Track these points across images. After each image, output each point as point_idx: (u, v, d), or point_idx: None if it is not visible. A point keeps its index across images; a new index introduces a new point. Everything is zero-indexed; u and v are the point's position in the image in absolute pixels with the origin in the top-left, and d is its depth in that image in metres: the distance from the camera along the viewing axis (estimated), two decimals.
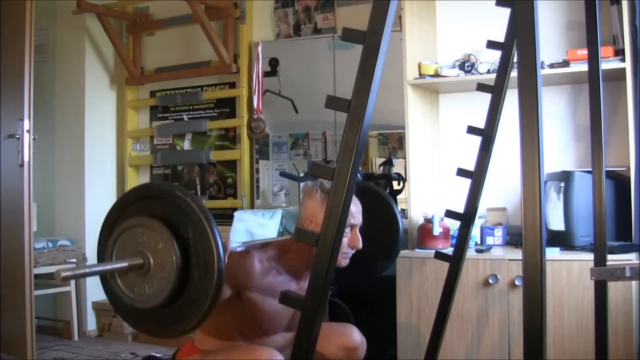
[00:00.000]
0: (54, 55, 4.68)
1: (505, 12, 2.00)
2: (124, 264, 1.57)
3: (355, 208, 2.06)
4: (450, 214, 2.31)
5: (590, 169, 2.13)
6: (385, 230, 2.47)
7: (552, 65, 2.92)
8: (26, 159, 3.29)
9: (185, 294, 1.57)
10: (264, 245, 2.11)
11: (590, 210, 2.10)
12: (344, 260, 2.05)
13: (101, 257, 1.69)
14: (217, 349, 2.07)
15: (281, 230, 3.65)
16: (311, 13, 4.06)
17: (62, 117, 4.62)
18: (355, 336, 2.27)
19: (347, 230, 2.03)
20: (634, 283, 2.51)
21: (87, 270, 1.55)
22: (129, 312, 1.67)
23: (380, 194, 2.57)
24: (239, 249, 1.98)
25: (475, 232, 3.04)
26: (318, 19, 4.03)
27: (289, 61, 4.15)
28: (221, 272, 1.53)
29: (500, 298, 2.72)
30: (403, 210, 3.39)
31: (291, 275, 2.09)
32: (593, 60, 2.05)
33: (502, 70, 2.18)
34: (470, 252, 2.82)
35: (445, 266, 2.31)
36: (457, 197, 2.79)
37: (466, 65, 3.13)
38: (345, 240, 2.02)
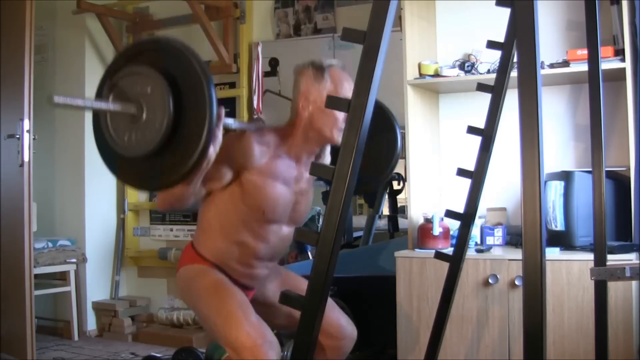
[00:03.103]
0: (54, 55, 4.68)
1: (505, 12, 2.00)
2: (118, 106, 1.61)
3: (350, 86, 2.03)
4: (450, 214, 2.31)
5: (590, 169, 2.13)
6: (384, 140, 2.41)
7: (552, 65, 2.92)
8: (26, 159, 3.29)
9: (172, 147, 1.61)
10: (259, 129, 2.09)
11: (590, 210, 2.10)
12: (340, 139, 2.01)
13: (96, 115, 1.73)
14: (215, 253, 2.07)
15: None
16: (311, 13, 4.06)
17: (62, 117, 4.62)
18: (347, 326, 2.26)
19: None
20: (634, 283, 2.51)
21: (83, 102, 1.61)
22: (119, 162, 1.71)
23: (384, 108, 2.46)
24: (233, 125, 1.98)
25: (475, 232, 3.04)
26: (318, 19, 4.03)
27: (289, 61, 4.14)
28: (212, 121, 1.57)
29: (500, 298, 2.72)
30: (403, 209, 3.39)
31: (290, 158, 2.08)
32: (593, 60, 2.05)
33: (502, 70, 2.18)
34: (470, 252, 2.82)
35: (445, 266, 2.31)
36: (457, 197, 2.79)
37: (466, 65, 3.13)
38: (341, 116, 2.02)
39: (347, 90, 2.03)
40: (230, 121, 1.94)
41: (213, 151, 1.77)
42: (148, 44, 1.76)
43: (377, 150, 2.34)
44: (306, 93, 2.05)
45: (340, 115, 2.02)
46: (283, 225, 2.12)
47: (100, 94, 1.70)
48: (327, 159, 2.27)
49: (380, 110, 2.38)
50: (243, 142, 1.98)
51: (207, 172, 1.89)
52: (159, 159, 1.63)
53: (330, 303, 2.18)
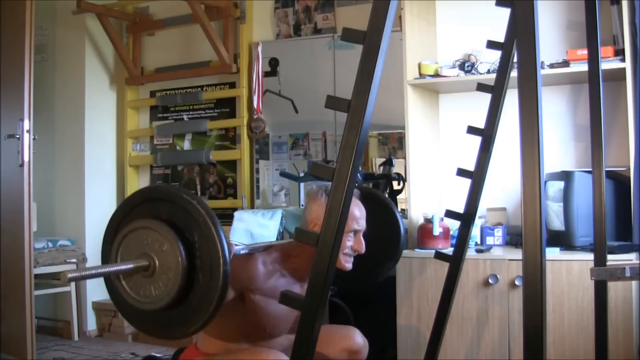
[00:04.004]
0: (54, 55, 4.68)
1: (505, 12, 2.00)
2: (130, 266, 1.57)
3: (360, 213, 2.07)
4: (450, 214, 2.31)
5: (590, 169, 2.13)
6: (388, 234, 2.48)
7: (552, 65, 2.92)
8: (26, 159, 3.29)
9: (190, 296, 1.57)
10: (267, 248, 2.11)
11: (590, 210, 2.10)
12: (347, 264, 2.07)
13: (105, 259, 1.69)
14: (220, 351, 2.07)
15: (281, 230, 3.65)
16: (311, 13, 4.06)
17: (62, 117, 4.62)
18: (358, 339, 2.27)
19: (351, 234, 2.05)
20: (634, 283, 2.51)
21: (94, 271, 1.56)
22: (133, 314, 1.68)
23: (382, 198, 2.58)
24: (242, 252, 1.99)
25: (475, 232, 3.04)
26: (318, 19, 4.03)
27: (289, 61, 4.15)
28: (227, 275, 1.53)
29: (500, 298, 2.72)
30: (403, 210, 3.39)
31: (294, 279, 2.09)
32: (593, 60, 2.05)
33: (502, 70, 2.18)
34: (470, 252, 2.82)
35: (445, 266, 2.31)
36: (457, 197, 2.79)
37: (466, 65, 3.13)
38: (349, 244, 2.04)
39: (357, 217, 2.05)
40: (239, 248, 1.95)
41: None
42: (145, 194, 1.71)
43: (381, 238, 2.41)
44: (316, 220, 2.06)
45: (349, 242, 2.04)
46: (284, 335, 2.14)
47: (108, 241, 1.68)
48: None
49: (372, 197, 2.48)
50: (249, 266, 1.99)
51: None
52: (174, 311, 1.60)
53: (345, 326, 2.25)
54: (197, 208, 1.56)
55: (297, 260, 2.08)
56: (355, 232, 2.06)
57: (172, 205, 1.60)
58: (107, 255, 1.67)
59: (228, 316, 2.01)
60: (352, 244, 2.05)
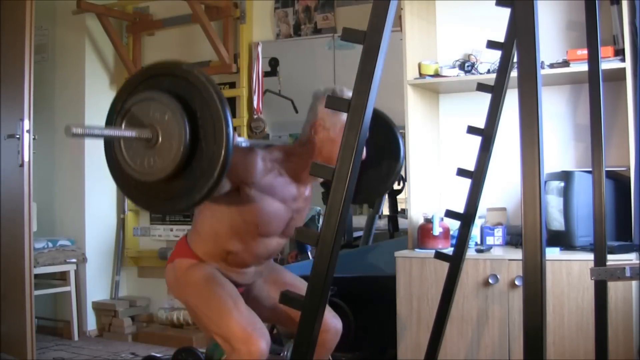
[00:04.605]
0: (54, 55, 4.68)
1: (505, 12, 2.00)
2: (133, 133, 1.61)
3: None
4: (450, 214, 2.31)
5: (590, 169, 2.13)
6: (387, 151, 2.43)
7: (552, 65, 2.92)
8: (26, 159, 3.29)
9: (193, 165, 1.60)
10: (269, 146, 2.13)
11: (590, 210, 2.10)
12: None
13: (109, 141, 1.73)
14: (210, 251, 2.09)
15: None
16: (311, 13, 4.06)
17: (62, 117, 4.62)
18: (329, 318, 2.29)
19: None
20: (634, 283, 2.51)
21: (99, 131, 1.62)
22: (138, 187, 1.71)
23: (382, 116, 2.48)
24: (243, 144, 2.01)
25: (475, 232, 3.04)
26: (318, 19, 4.03)
27: (289, 61, 4.15)
28: (230, 138, 1.57)
29: (500, 298, 2.72)
30: (403, 210, 3.39)
31: (292, 179, 2.11)
32: (593, 60, 2.05)
33: (502, 70, 2.18)
34: (470, 252, 2.82)
35: (445, 266, 2.31)
36: (457, 197, 2.79)
37: (466, 65, 3.13)
38: None
39: None
40: (241, 140, 1.98)
41: None
42: (155, 69, 1.74)
43: (379, 161, 2.36)
44: (321, 120, 2.10)
45: None
46: (274, 237, 2.16)
47: (111, 120, 1.70)
48: None
49: (382, 121, 2.41)
50: (248, 159, 2.01)
51: None
52: (177, 182, 1.63)
53: None
54: (197, 77, 1.60)
55: (297, 160, 2.10)
56: None
57: (173, 79, 1.63)
58: (113, 121, 1.70)
59: (222, 210, 2.04)
60: None
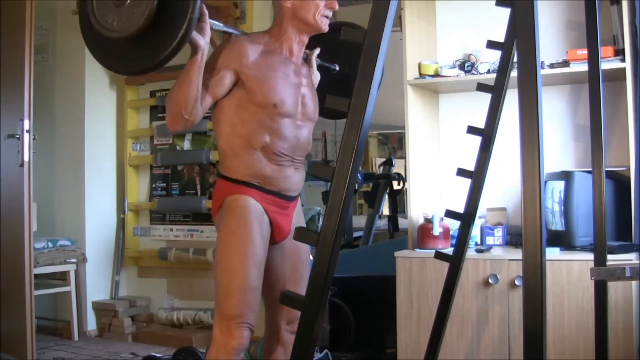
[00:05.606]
0: (54, 55, 4.68)
1: (505, 12, 2.00)
2: None
3: None
4: (450, 214, 2.31)
5: (590, 169, 2.13)
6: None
7: (552, 65, 2.92)
8: (26, 159, 3.29)
9: (160, 23, 1.74)
10: (249, 34, 2.21)
11: (590, 210, 2.10)
12: (324, 26, 2.17)
13: None
14: (239, 166, 2.10)
15: None
16: None
17: (62, 117, 4.62)
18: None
19: None
20: (634, 283, 2.51)
21: None
22: (101, 44, 1.87)
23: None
24: (219, 27, 2.07)
25: (475, 232, 3.04)
26: None
27: None
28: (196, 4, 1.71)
29: (500, 298, 2.72)
30: (403, 210, 3.40)
31: (283, 52, 2.16)
32: (593, 60, 2.05)
33: (502, 70, 2.18)
34: (470, 252, 2.82)
35: (445, 266, 2.31)
36: (457, 197, 2.79)
37: (466, 65, 3.13)
38: (322, 3, 2.13)
39: None
40: (216, 22, 2.04)
41: (204, 43, 1.92)
42: None
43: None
44: None
45: (322, 2, 2.13)
46: (297, 120, 2.16)
47: None
48: (316, 78, 2.38)
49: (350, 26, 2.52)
50: (235, 42, 2.08)
51: (207, 79, 2.02)
52: (144, 41, 1.78)
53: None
54: None
55: (280, 33, 2.15)
56: None
57: None
58: None
59: (236, 113, 2.09)
60: (325, 2, 2.14)
